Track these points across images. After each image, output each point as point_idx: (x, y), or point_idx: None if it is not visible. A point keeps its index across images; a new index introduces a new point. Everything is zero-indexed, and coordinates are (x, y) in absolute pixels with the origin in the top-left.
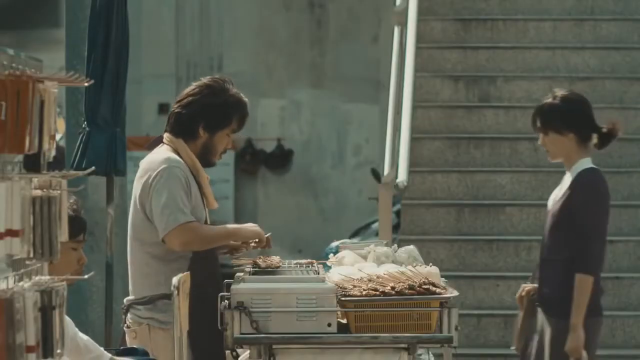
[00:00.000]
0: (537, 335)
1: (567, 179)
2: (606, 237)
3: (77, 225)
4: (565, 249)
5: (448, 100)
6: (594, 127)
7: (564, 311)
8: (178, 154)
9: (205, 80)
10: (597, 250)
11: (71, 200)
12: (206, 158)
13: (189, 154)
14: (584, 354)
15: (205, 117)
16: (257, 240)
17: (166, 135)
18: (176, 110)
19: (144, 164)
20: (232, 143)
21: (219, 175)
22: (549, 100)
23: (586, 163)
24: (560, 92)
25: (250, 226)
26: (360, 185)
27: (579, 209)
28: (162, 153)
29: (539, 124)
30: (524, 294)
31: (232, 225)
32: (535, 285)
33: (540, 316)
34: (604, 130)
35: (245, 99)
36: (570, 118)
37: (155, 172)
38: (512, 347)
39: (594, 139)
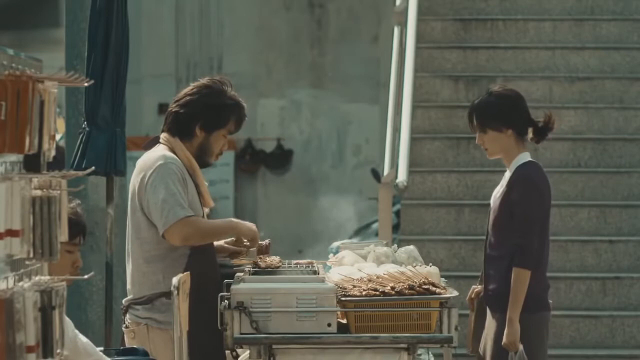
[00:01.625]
0: (485, 332)
1: (506, 176)
2: (547, 231)
3: (74, 228)
4: (506, 244)
5: (448, 100)
6: (531, 121)
7: (507, 306)
8: (175, 153)
9: (204, 80)
10: (536, 243)
11: (72, 205)
12: (202, 158)
13: (186, 153)
14: (520, 346)
15: (203, 116)
16: (250, 240)
17: (163, 135)
18: (174, 110)
19: (139, 162)
20: (227, 145)
21: (219, 175)
22: (484, 98)
23: (524, 157)
24: (494, 88)
25: (249, 224)
26: (360, 185)
27: (516, 202)
28: (158, 151)
29: (475, 122)
30: (473, 295)
31: (232, 219)
32: None
33: (488, 314)
34: (540, 124)
35: (244, 103)
36: (508, 114)
37: (152, 169)
38: (469, 350)
39: (530, 133)
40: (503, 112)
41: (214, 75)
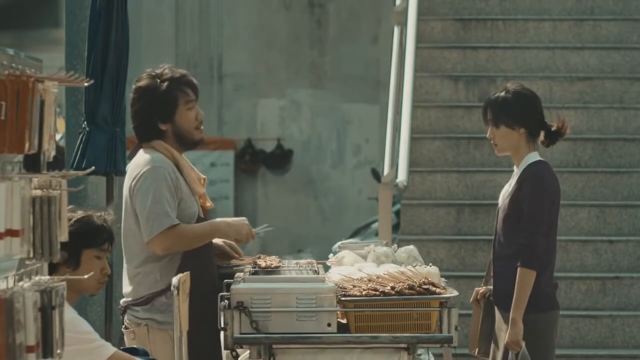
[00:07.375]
0: (495, 333)
1: (516, 174)
2: (555, 231)
3: (102, 235)
4: (515, 242)
5: (448, 100)
6: (544, 123)
7: None
8: (159, 152)
9: (140, 82)
10: (542, 243)
11: (105, 213)
12: (186, 140)
13: (167, 148)
14: (522, 344)
15: (155, 114)
16: (237, 240)
17: (143, 144)
18: (134, 125)
19: (130, 166)
20: (200, 112)
21: (219, 175)
22: (502, 93)
23: (534, 157)
24: (512, 86)
25: (236, 224)
26: (360, 185)
27: (525, 200)
28: (144, 155)
29: (490, 116)
30: (478, 297)
31: (217, 221)
32: (489, 287)
33: (497, 314)
34: (553, 128)
35: (180, 70)
36: (522, 113)
37: (140, 174)
38: (473, 351)
39: (542, 135)
40: (518, 110)
41: (214, 74)
